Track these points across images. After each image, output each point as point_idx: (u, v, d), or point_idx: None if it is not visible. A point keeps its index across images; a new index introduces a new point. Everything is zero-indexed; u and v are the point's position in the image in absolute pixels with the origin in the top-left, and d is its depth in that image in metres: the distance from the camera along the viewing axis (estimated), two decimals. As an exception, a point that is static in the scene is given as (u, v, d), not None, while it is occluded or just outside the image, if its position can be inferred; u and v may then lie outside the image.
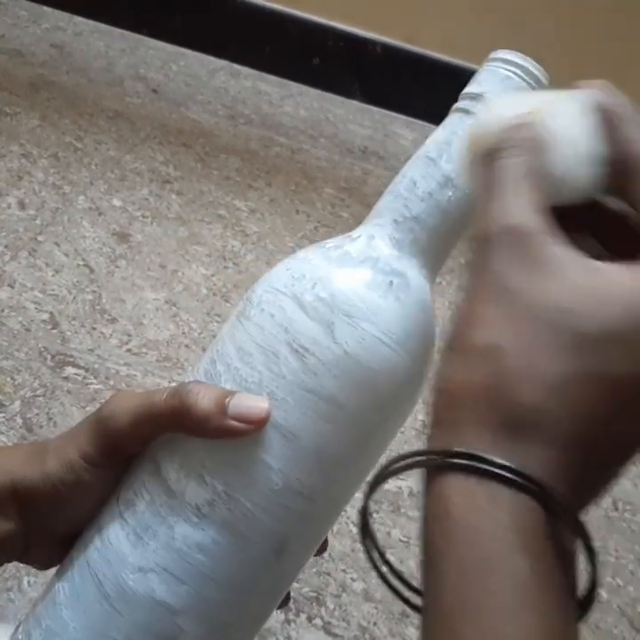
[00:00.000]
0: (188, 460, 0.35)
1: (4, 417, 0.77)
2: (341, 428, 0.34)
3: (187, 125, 1.32)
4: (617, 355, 0.25)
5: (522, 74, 0.35)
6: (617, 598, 0.79)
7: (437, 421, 0.28)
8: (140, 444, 0.35)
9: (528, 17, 1.41)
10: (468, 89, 0.36)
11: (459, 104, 0.36)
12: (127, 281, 0.97)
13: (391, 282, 0.35)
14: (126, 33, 1.51)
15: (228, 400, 0.33)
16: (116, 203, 1.09)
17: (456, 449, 0.26)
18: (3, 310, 0.88)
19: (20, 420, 0.77)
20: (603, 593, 0.79)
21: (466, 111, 0.36)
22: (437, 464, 0.27)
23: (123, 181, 1.14)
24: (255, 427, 0.33)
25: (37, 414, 0.78)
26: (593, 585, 0.27)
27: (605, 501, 0.89)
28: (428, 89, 1.49)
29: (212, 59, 1.52)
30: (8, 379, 0.81)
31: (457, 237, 0.37)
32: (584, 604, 0.27)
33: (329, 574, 0.73)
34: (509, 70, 0.35)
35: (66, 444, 0.36)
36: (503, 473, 0.25)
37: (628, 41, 1.41)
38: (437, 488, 0.27)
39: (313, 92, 1.53)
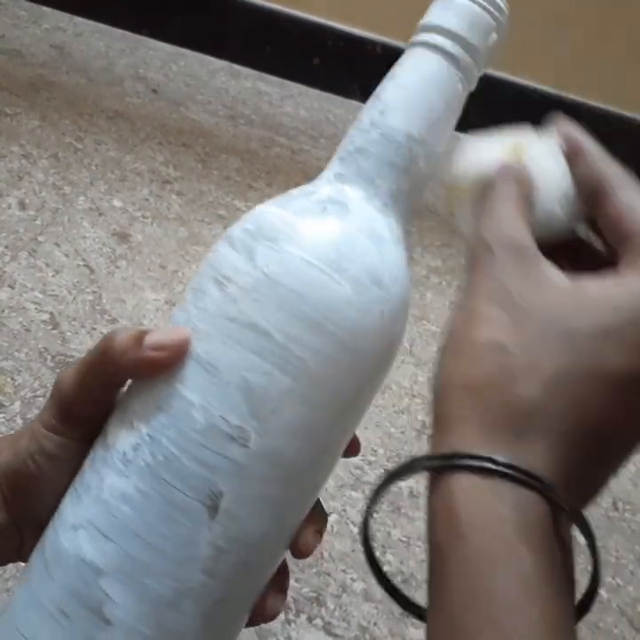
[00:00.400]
0: (122, 408, 0.33)
1: (3, 417, 0.77)
2: (266, 357, 0.31)
3: (187, 125, 1.32)
4: (609, 349, 0.27)
5: (484, 2, 0.34)
6: (617, 598, 0.79)
7: (438, 418, 0.29)
8: (88, 402, 0.34)
9: (527, 17, 1.41)
10: (428, 20, 0.34)
11: (419, 37, 0.34)
12: (127, 281, 0.97)
13: (325, 208, 0.32)
14: (126, 33, 1.51)
15: (141, 332, 0.32)
16: (117, 203, 1.09)
17: (459, 451, 0.27)
18: (3, 311, 0.88)
19: (19, 421, 0.77)
20: (603, 593, 0.79)
21: (416, 43, 0.34)
22: (441, 466, 0.27)
23: (123, 182, 1.14)
24: (173, 355, 0.31)
25: (37, 414, 0.78)
26: (595, 580, 0.27)
27: (605, 501, 0.89)
28: (427, 89, 1.49)
29: (211, 59, 1.52)
30: (8, 379, 0.81)
31: (411, 168, 0.34)
32: (586, 600, 0.27)
33: (329, 574, 0.73)
34: (475, 1, 0.34)
35: (34, 420, 0.35)
36: (506, 471, 0.26)
37: (628, 41, 1.41)
38: (441, 487, 0.27)
39: (313, 92, 1.53)
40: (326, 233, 0.32)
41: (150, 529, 0.31)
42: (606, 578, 0.81)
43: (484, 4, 0.34)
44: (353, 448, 0.36)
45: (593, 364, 0.27)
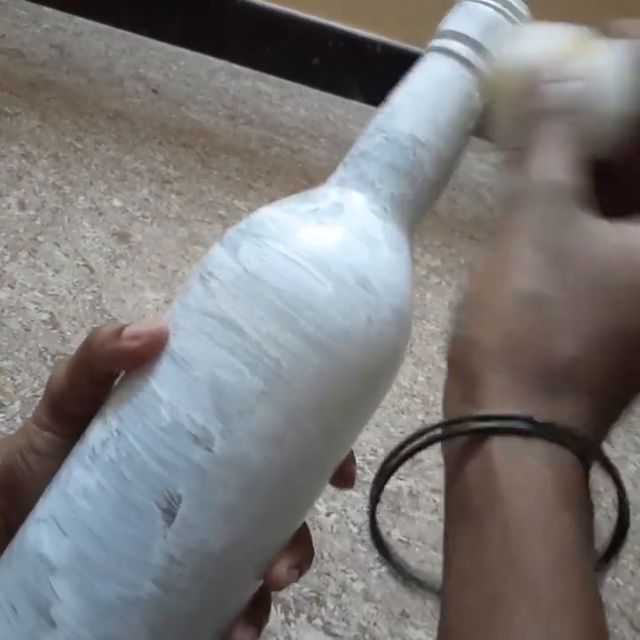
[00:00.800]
0: (103, 405, 0.32)
1: (3, 417, 0.77)
2: (239, 355, 0.29)
3: (187, 125, 1.32)
4: None
5: (502, 7, 0.32)
6: (617, 598, 0.79)
7: (465, 377, 0.27)
8: (77, 399, 0.34)
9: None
10: (442, 26, 0.33)
11: (432, 43, 0.33)
12: (127, 281, 0.97)
13: (318, 208, 0.31)
14: (126, 33, 1.51)
15: (120, 325, 0.32)
16: (116, 203, 1.09)
17: (496, 413, 0.26)
18: (3, 310, 0.88)
19: (19, 421, 0.77)
20: (603, 593, 0.79)
21: (441, 49, 0.33)
22: (479, 428, 0.26)
23: (123, 181, 1.14)
24: (148, 345, 0.30)
25: (37, 414, 0.78)
26: (623, 525, 0.27)
27: (605, 501, 0.89)
28: (428, 89, 1.49)
29: (211, 59, 1.52)
30: (8, 379, 0.81)
31: (415, 173, 0.32)
32: (612, 548, 0.28)
33: (329, 574, 0.73)
34: (488, 4, 0.32)
35: (28, 418, 0.35)
36: (545, 431, 0.25)
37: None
38: (477, 448, 0.26)
39: (313, 92, 1.53)
40: (312, 230, 0.30)
41: (105, 527, 0.29)
42: (606, 578, 0.81)
43: (499, 6, 0.32)
44: (346, 476, 0.33)
45: (634, 328, 0.26)
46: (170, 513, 0.29)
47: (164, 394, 0.29)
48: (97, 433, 0.31)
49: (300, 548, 0.32)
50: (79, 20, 1.51)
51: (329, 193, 0.32)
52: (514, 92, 0.31)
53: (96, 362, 0.33)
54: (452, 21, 0.33)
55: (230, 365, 0.29)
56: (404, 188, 0.32)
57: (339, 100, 1.51)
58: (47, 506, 0.31)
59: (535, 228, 0.28)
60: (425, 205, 0.33)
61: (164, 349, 0.30)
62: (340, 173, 0.33)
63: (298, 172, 1.28)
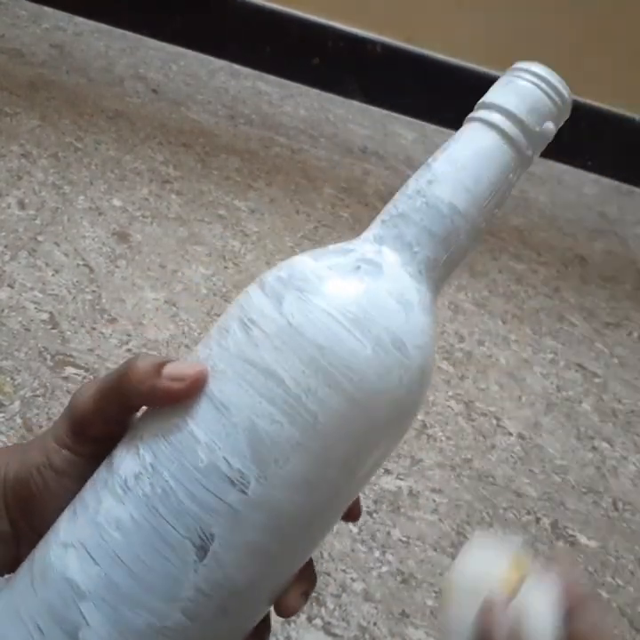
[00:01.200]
0: (132, 434, 0.33)
1: (3, 417, 0.77)
2: (278, 406, 0.31)
3: (187, 125, 1.32)
4: None
5: (547, 89, 0.34)
6: (617, 598, 0.79)
7: None
8: (102, 422, 0.34)
9: (528, 17, 1.41)
10: (488, 98, 0.35)
11: (477, 113, 0.35)
12: (127, 281, 0.97)
13: (359, 267, 0.32)
14: (126, 33, 1.51)
15: (161, 361, 0.33)
16: (116, 203, 1.09)
17: None
18: (3, 310, 0.88)
19: (19, 420, 0.77)
20: (603, 593, 0.79)
21: (477, 119, 0.34)
22: None
23: (123, 181, 1.14)
24: (188, 388, 0.32)
25: (37, 414, 0.78)
26: None
27: (605, 501, 0.89)
28: (428, 89, 1.49)
29: (212, 59, 1.52)
30: (8, 379, 0.81)
31: (450, 240, 0.34)
32: None
33: (329, 574, 0.73)
34: (535, 83, 0.34)
35: (46, 433, 0.36)
36: None
37: (628, 41, 1.41)
38: None
39: (313, 92, 1.53)
40: (354, 290, 0.32)
41: (137, 559, 0.31)
42: (606, 578, 0.81)
43: (547, 89, 0.34)
44: (353, 513, 0.36)
45: None
46: (202, 549, 0.30)
47: (201, 435, 0.31)
48: (129, 464, 0.32)
49: (308, 576, 0.35)
50: (79, 19, 1.51)
51: (368, 250, 0.33)
52: (463, 609, 0.38)
53: (132, 394, 0.33)
54: (498, 95, 0.34)
55: (269, 415, 0.31)
56: (438, 253, 0.33)
57: (339, 100, 1.51)
58: (74, 531, 0.32)
59: None
60: (454, 268, 0.34)
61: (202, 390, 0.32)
62: (378, 230, 0.34)
63: (298, 172, 1.28)
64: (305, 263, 0.33)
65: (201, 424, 0.31)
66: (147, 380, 0.32)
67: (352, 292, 0.32)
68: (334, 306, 0.31)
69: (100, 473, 0.33)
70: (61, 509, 0.34)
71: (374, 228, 0.34)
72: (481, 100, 0.35)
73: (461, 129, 0.35)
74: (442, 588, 0.40)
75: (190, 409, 0.31)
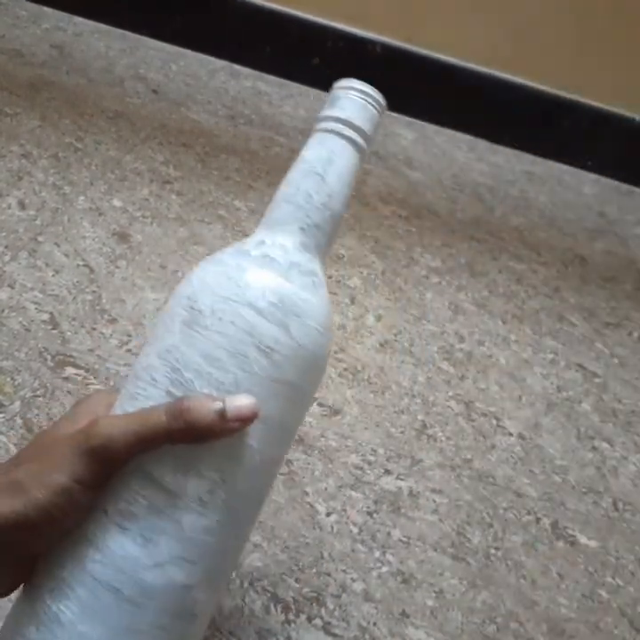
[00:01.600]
0: (181, 461, 0.38)
1: (3, 417, 0.77)
2: (297, 404, 0.42)
3: (187, 125, 1.32)
4: None
5: (376, 105, 0.45)
6: (617, 599, 0.79)
7: None
8: (130, 460, 0.37)
9: (528, 17, 1.41)
10: (334, 113, 0.45)
11: (328, 125, 0.45)
12: (127, 281, 0.97)
13: (313, 281, 0.43)
14: (126, 33, 1.51)
15: (221, 405, 0.37)
16: (116, 203, 1.09)
17: None
18: (3, 310, 0.88)
19: (19, 421, 0.77)
20: (603, 593, 0.79)
21: (339, 134, 0.45)
22: None
23: (123, 182, 1.14)
24: (250, 422, 0.38)
25: (37, 414, 0.78)
26: None
27: (605, 501, 0.89)
28: (428, 89, 1.49)
29: (212, 59, 1.52)
30: (8, 379, 0.81)
31: (337, 235, 0.46)
32: None
33: (329, 574, 0.73)
34: (367, 101, 0.45)
35: (49, 471, 0.37)
36: None
37: (628, 41, 1.41)
38: None
39: (313, 92, 1.53)
40: (321, 306, 0.43)
41: (228, 545, 0.41)
42: (606, 578, 0.81)
43: (370, 100, 0.45)
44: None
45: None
46: (258, 510, 0.45)
47: (255, 444, 0.40)
48: (196, 486, 0.39)
49: None
50: (79, 20, 1.51)
51: (306, 262, 0.44)
52: None
53: (198, 438, 0.37)
54: (342, 110, 0.45)
55: (292, 411, 0.42)
56: (331, 244, 0.46)
57: (339, 100, 1.51)
58: (164, 552, 0.39)
59: None
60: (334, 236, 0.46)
61: None
62: (302, 238, 0.44)
63: (298, 172, 1.27)
64: (284, 287, 0.41)
65: (253, 436, 0.40)
66: (216, 428, 0.37)
67: (321, 308, 0.43)
68: (318, 322, 0.42)
69: (155, 501, 0.38)
70: (58, 534, 0.38)
71: (296, 234, 0.44)
72: (330, 114, 0.46)
73: (324, 138, 0.46)
74: None
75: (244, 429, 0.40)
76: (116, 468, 0.37)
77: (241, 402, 0.38)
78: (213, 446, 0.39)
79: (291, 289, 0.41)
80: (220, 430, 0.37)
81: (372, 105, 0.45)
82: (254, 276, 0.41)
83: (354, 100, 0.45)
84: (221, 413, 0.37)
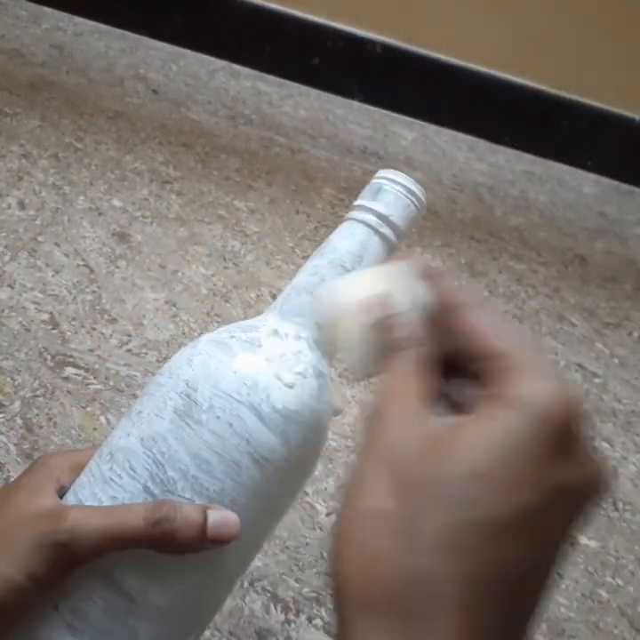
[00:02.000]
0: (146, 567, 0.36)
1: (3, 417, 0.77)
2: (282, 513, 0.41)
3: (187, 125, 1.32)
4: (486, 495, 0.25)
5: (418, 205, 0.42)
6: (617, 598, 0.79)
7: (335, 613, 0.28)
8: (96, 559, 0.35)
9: (528, 17, 1.41)
10: (375, 206, 0.42)
11: (366, 217, 0.41)
12: (127, 281, 0.97)
13: (319, 385, 0.39)
14: (126, 33, 1.51)
15: (202, 521, 0.35)
16: (116, 203, 1.09)
17: None
18: (3, 310, 0.88)
19: (19, 421, 0.77)
20: (603, 593, 0.79)
21: (375, 230, 0.41)
22: None
23: (123, 182, 1.14)
24: (230, 541, 0.36)
25: (37, 414, 0.78)
26: None
27: (605, 501, 0.89)
28: (428, 89, 1.49)
29: (212, 59, 1.52)
30: (8, 379, 0.81)
31: None
32: None
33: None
34: (411, 200, 0.41)
35: (2, 563, 0.34)
36: None
37: (628, 41, 1.41)
38: None
39: (313, 92, 1.52)
40: (324, 411, 0.40)
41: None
42: (606, 578, 0.81)
43: (410, 196, 0.42)
44: None
45: (471, 516, 0.25)
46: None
47: (228, 557, 0.38)
48: (158, 595, 0.37)
49: None
50: (79, 20, 1.51)
51: (317, 362, 0.41)
52: (357, 330, 0.36)
53: (176, 549, 0.35)
54: (385, 206, 0.42)
55: (269, 521, 0.41)
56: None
57: (339, 100, 1.51)
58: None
59: (378, 451, 0.28)
60: None
61: None
62: (317, 335, 0.41)
63: (298, 172, 1.28)
64: (290, 393, 0.38)
65: (227, 549, 0.36)
66: (194, 545, 0.35)
67: (325, 414, 0.40)
68: (318, 431, 0.40)
69: (111, 602, 0.36)
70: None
71: (311, 329, 0.41)
72: (371, 206, 0.42)
73: (358, 231, 0.42)
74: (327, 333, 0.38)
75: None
76: (77, 567, 0.34)
77: (225, 521, 0.35)
78: (185, 557, 0.36)
79: (297, 396, 0.38)
80: (197, 547, 0.35)
81: (415, 205, 0.41)
82: (262, 376, 0.37)
83: (398, 196, 0.41)
84: (203, 531, 0.35)
